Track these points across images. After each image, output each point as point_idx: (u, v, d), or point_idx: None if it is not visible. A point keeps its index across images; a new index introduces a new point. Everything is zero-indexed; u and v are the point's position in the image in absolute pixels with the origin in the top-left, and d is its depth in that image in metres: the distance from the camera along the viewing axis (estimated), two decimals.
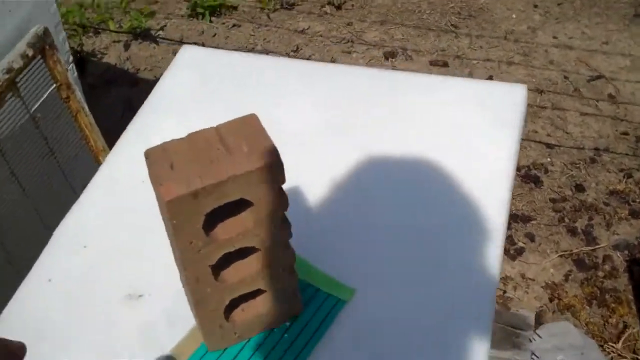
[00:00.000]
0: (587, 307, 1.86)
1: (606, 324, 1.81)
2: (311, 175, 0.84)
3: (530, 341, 1.55)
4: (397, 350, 0.59)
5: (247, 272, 0.60)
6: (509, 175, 0.84)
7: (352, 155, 0.87)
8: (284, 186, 0.57)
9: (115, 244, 0.84)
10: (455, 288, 0.70)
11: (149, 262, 0.80)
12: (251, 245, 0.58)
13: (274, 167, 0.56)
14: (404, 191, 0.82)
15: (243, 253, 0.60)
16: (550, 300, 1.91)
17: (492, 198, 0.80)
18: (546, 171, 2.31)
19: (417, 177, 0.84)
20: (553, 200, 2.23)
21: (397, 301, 0.66)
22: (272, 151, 0.56)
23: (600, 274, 1.95)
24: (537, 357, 1.55)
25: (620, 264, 1.97)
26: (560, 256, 2.02)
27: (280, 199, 0.57)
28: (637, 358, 1.69)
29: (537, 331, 1.63)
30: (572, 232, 2.10)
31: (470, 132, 0.89)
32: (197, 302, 0.60)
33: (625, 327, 1.78)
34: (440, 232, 0.77)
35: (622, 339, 1.74)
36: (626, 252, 2.01)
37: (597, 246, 2.04)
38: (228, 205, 0.58)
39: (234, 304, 0.62)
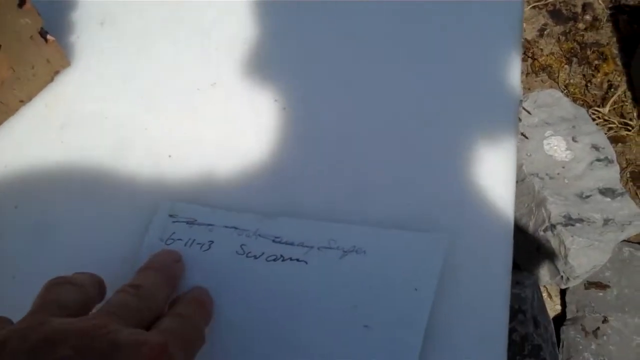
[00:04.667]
0: (566, 67, 1.59)
1: (589, 84, 1.56)
2: None
3: (520, 120, 1.28)
4: None
5: None
6: None
7: None
8: None
9: None
10: None
11: None
12: None
13: None
14: None
15: None
16: (523, 60, 1.62)
17: None
18: None
19: None
20: None
21: None
22: None
23: (580, 26, 1.65)
24: (527, 138, 1.30)
25: (603, 13, 1.67)
26: (533, 7, 1.69)
27: None
28: (625, 122, 1.48)
29: (523, 104, 1.35)
30: None
31: None
32: None
33: (611, 87, 1.54)
34: None
35: (609, 102, 1.51)
36: None
37: None
38: None
39: None
